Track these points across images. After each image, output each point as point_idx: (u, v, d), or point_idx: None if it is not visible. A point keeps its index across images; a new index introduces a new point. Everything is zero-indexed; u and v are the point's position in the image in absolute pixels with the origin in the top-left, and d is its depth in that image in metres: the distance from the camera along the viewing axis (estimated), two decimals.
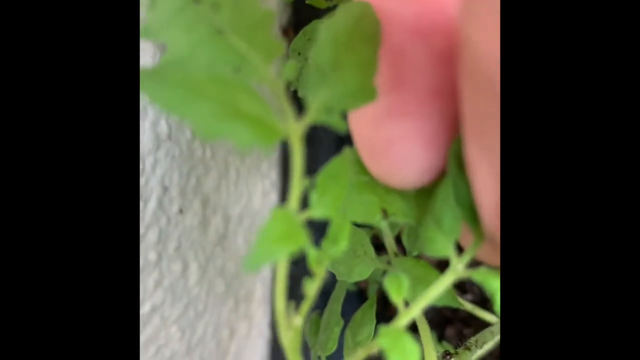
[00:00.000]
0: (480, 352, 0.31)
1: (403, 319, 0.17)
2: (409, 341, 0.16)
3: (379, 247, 0.36)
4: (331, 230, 0.18)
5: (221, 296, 0.47)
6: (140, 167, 0.35)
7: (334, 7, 0.31)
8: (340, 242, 0.18)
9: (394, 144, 0.17)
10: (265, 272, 0.53)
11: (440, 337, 0.49)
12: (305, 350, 0.26)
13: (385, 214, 0.19)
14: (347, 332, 0.31)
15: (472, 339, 0.31)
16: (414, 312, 0.18)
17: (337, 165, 0.18)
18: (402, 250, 0.36)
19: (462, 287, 0.50)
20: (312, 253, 0.17)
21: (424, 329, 0.24)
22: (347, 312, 0.31)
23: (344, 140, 0.45)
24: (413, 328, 0.24)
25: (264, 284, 0.53)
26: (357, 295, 0.49)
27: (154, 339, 0.41)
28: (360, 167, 0.19)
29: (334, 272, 0.27)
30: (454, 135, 0.17)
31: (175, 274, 0.41)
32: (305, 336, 0.34)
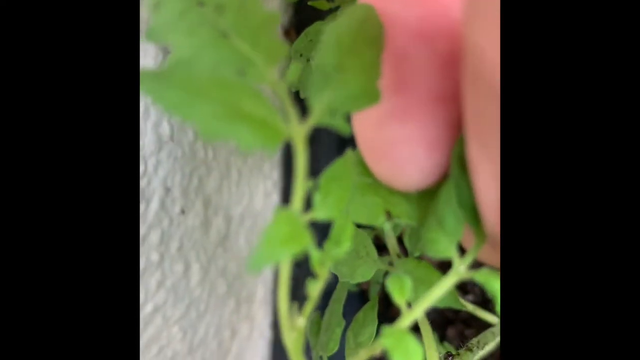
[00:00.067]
0: (481, 352, 0.31)
1: (406, 320, 0.18)
2: (412, 341, 0.16)
3: (381, 248, 0.36)
4: (334, 232, 0.18)
5: (223, 297, 0.47)
6: (143, 168, 0.35)
7: (336, 9, 0.31)
8: (343, 244, 0.18)
9: (397, 146, 0.17)
10: (267, 273, 0.54)
11: (442, 338, 0.49)
12: (307, 350, 0.26)
13: (388, 215, 0.19)
14: (349, 333, 0.31)
15: (474, 340, 0.31)
16: (417, 312, 0.18)
17: (340, 167, 0.18)
18: (404, 251, 0.36)
19: (463, 288, 0.50)
20: (315, 254, 0.17)
21: (426, 329, 0.24)
22: (349, 313, 0.31)
23: (346, 141, 0.45)
24: (415, 329, 0.24)
25: (266, 285, 0.53)
26: (359, 296, 0.49)
27: (156, 339, 0.41)
28: (364, 168, 0.20)
29: (336, 273, 0.27)
30: (456, 138, 0.17)
31: (177, 274, 0.41)
32: (307, 337, 0.34)
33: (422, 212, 0.19)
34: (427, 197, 0.19)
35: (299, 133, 0.16)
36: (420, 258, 0.27)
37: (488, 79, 0.13)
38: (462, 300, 0.37)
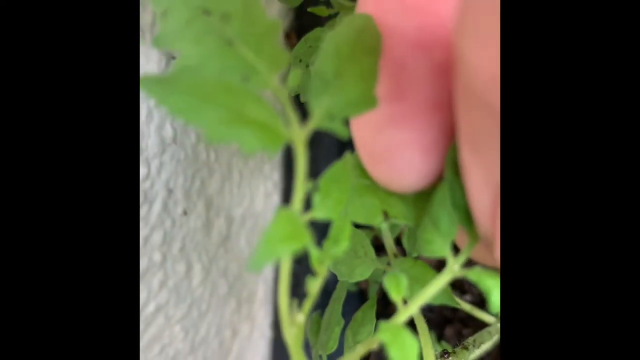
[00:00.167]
0: (478, 351, 0.32)
1: (402, 316, 0.18)
2: (408, 336, 0.17)
3: (379, 248, 0.37)
4: (333, 231, 0.18)
5: (224, 297, 0.48)
6: (146, 170, 0.36)
7: (335, 15, 0.31)
8: (341, 243, 0.18)
9: (394, 150, 0.18)
10: (268, 273, 0.54)
11: (440, 337, 0.49)
12: (307, 349, 0.27)
13: (386, 216, 0.20)
14: (348, 332, 0.31)
15: (470, 339, 0.32)
16: (412, 309, 0.19)
17: (339, 169, 0.18)
18: (402, 251, 0.37)
19: (461, 287, 0.51)
20: (314, 253, 0.18)
21: (423, 328, 0.25)
22: (348, 312, 0.31)
23: (345, 144, 0.46)
24: (412, 328, 0.25)
25: (266, 285, 0.53)
26: (358, 296, 0.50)
27: (158, 338, 0.41)
28: (362, 171, 0.20)
29: (335, 272, 0.27)
30: (450, 143, 0.18)
31: (179, 274, 0.42)
32: (307, 335, 0.35)
33: (418, 213, 0.20)
34: (422, 198, 0.20)
35: (299, 136, 0.16)
36: (417, 258, 0.27)
37: (478, 91, 0.13)
38: (459, 300, 0.38)
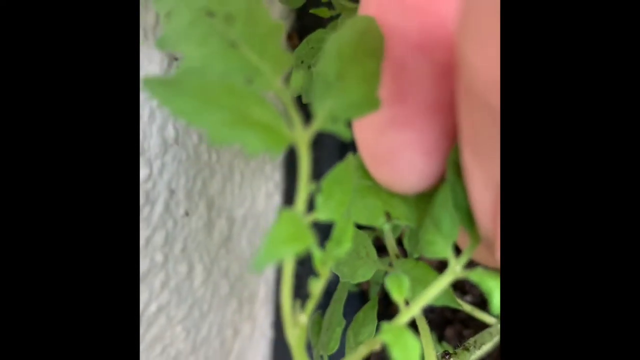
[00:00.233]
0: (479, 352, 0.32)
1: (404, 317, 0.18)
2: (410, 337, 0.17)
3: (380, 248, 0.37)
4: (335, 232, 0.19)
5: (225, 297, 0.48)
6: (148, 171, 0.36)
7: (337, 16, 0.31)
8: (344, 244, 0.18)
9: (396, 152, 0.18)
10: (269, 274, 0.54)
11: (440, 338, 0.49)
12: (307, 348, 0.27)
13: (388, 217, 0.20)
14: (349, 332, 0.31)
15: (471, 340, 0.32)
16: (415, 310, 0.19)
17: (342, 171, 0.18)
18: (403, 252, 0.37)
19: (462, 288, 0.51)
20: (317, 254, 0.18)
21: (424, 328, 0.25)
22: (349, 313, 0.32)
23: (346, 145, 0.46)
24: (414, 329, 0.25)
25: (267, 285, 0.54)
26: (359, 296, 0.50)
27: (160, 339, 0.41)
28: (364, 172, 0.20)
29: (337, 273, 0.27)
30: (452, 145, 0.18)
31: (181, 275, 0.42)
32: (308, 335, 0.35)
33: (420, 214, 0.20)
34: (424, 199, 0.20)
35: (302, 138, 0.17)
36: (418, 259, 0.27)
37: (480, 93, 0.14)
38: (460, 301, 0.38)
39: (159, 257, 0.39)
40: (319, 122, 0.17)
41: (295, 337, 0.19)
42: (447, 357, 0.30)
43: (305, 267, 0.23)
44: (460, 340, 0.42)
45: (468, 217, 0.18)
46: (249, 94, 0.16)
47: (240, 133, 0.15)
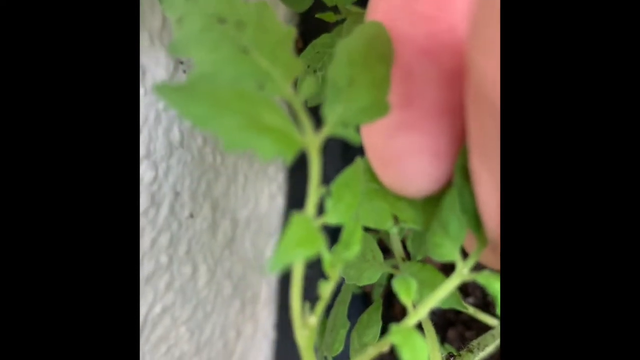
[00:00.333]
0: (482, 354, 0.32)
1: (412, 319, 0.19)
2: (418, 338, 0.17)
3: (384, 250, 0.37)
4: (344, 236, 0.19)
5: (228, 298, 0.48)
6: (154, 174, 0.36)
7: (342, 21, 0.32)
8: (352, 247, 0.19)
9: (404, 156, 0.18)
10: (271, 275, 0.55)
11: (443, 340, 0.50)
12: None
13: (396, 220, 0.20)
14: (353, 334, 0.32)
15: (475, 342, 0.32)
16: (423, 312, 0.19)
17: (351, 175, 0.19)
18: (407, 254, 0.37)
19: (465, 290, 0.51)
20: (326, 257, 0.18)
21: (430, 330, 0.25)
22: (353, 315, 0.32)
23: (350, 148, 0.46)
24: (419, 330, 0.25)
25: (270, 287, 0.54)
26: (362, 298, 0.50)
27: (164, 339, 0.42)
28: (372, 175, 0.21)
29: (344, 276, 0.28)
30: (459, 148, 0.18)
31: (186, 276, 0.42)
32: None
33: (427, 217, 0.20)
34: (432, 203, 0.20)
35: (313, 143, 0.17)
36: (423, 261, 0.28)
37: (489, 97, 0.14)
38: (463, 303, 0.38)
39: (163, 259, 0.39)
40: (330, 127, 0.17)
41: (304, 338, 0.19)
42: (451, 359, 0.30)
43: (313, 270, 0.23)
44: (462, 342, 0.42)
45: (475, 221, 0.18)
46: (260, 99, 0.16)
47: (252, 138, 0.15)
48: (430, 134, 0.18)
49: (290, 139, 0.16)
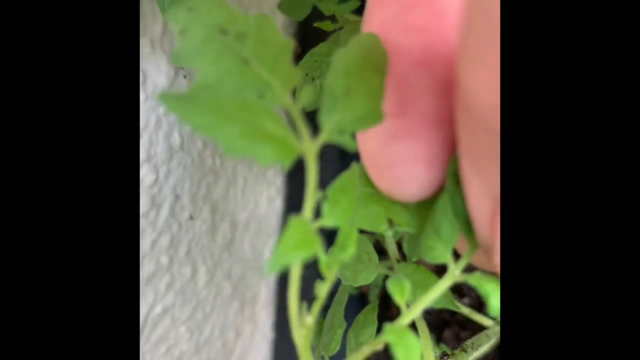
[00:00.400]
0: (476, 354, 0.33)
1: (406, 318, 0.19)
2: (412, 337, 0.18)
3: (380, 251, 0.38)
4: (340, 238, 0.19)
5: (227, 299, 0.49)
6: (155, 176, 0.37)
7: (340, 29, 0.32)
8: (348, 249, 0.19)
9: (398, 162, 0.19)
10: (270, 276, 0.55)
11: (438, 339, 0.50)
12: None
13: (390, 223, 0.21)
14: (350, 334, 0.32)
15: (469, 342, 0.33)
16: (416, 312, 0.20)
17: (347, 180, 0.19)
18: (402, 255, 0.38)
19: (460, 291, 0.52)
20: (323, 258, 0.19)
21: (423, 329, 0.26)
22: (349, 315, 0.32)
23: (348, 153, 0.47)
24: (413, 330, 0.26)
25: (269, 287, 0.55)
26: (359, 299, 0.51)
27: (164, 339, 0.42)
28: (367, 180, 0.21)
29: (340, 276, 0.28)
30: (451, 155, 0.19)
31: (185, 277, 0.43)
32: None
33: (421, 220, 0.21)
34: (425, 207, 0.21)
35: (311, 150, 0.18)
36: (418, 262, 0.28)
37: (478, 116, 0.14)
38: (458, 303, 0.39)
39: (164, 260, 0.40)
40: (326, 135, 0.18)
41: (301, 337, 0.20)
42: (445, 358, 0.31)
43: (310, 271, 0.24)
44: (457, 342, 0.43)
45: (467, 224, 0.19)
46: (261, 108, 0.17)
47: (253, 145, 0.16)
48: (424, 141, 0.19)
49: (289, 146, 0.17)
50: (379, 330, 0.31)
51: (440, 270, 0.21)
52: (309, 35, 0.34)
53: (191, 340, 0.45)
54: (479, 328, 0.35)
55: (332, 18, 0.31)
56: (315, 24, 0.31)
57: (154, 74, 0.35)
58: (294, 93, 0.18)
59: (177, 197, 0.39)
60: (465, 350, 0.32)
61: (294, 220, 0.17)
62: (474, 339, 0.33)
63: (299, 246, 0.17)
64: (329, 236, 0.20)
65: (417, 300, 0.20)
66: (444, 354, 0.31)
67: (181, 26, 0.19)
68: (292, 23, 0.48)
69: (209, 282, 0.46)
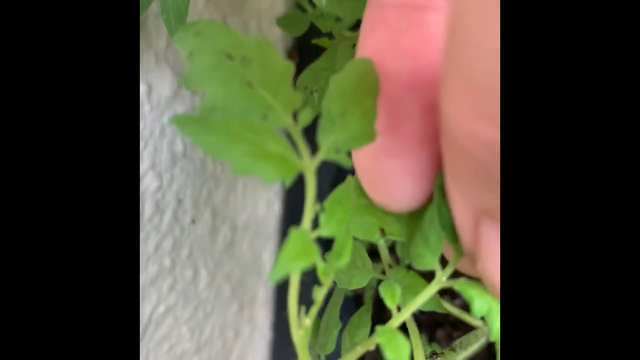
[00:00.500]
0: (465, 353, 0.34)
1: (396, 321, 0.21)
2: (401, 339, 0.19)
3: (375, 253, 0.39)
4: (336, 247, 0.21)
5: (227, 300, 0.50)
6: (159, 183, 0.38)
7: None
8: (343, 257, 0.21)
9: (389, 176, 0.21)
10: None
11: (431, 339, 0.51)
12: None
13: (382, 232, 0.23)
14: (345, 334, 0.33)
15: (457, 341, 0.34)
16: (405, 315, 0.21)
17: (342, 192, 0.21)
18: (395, 258, 0.39)
19: (452, 293, 0.53)
20: (320, 265, 0.20)
21: (414, 330, 0.28)
22: (345, 316, 0.33)
23: (342, 169, 0.48)
24: (405, 330, 0.27)
25: (267, 289, 0.56)
26: (354, 300, 0.52)
27: (167, 338, 0.44)
28: (361, 191, 0.23)
29: (336, 280, 0.30)
30: (438, 170, 0.21)
31: (187, 279, 0.44)
32: None
33: (411, 230, 0.23)
34: (415, 217, 0.23)
35: (310, 167, 0.19)
36: (409, 267, 0.30)
37: (458, 141, 0.16)
38: (449, 305, 0.40)
39: (167, 262, 0.42)
40: (324, 153, 0.19)
41: (300, 338, 0.21)
42: (435, 357, 0.32)
43: (308, 276, 0.25)
44: (450, 341, 0.44)
45: (452, 234, 0.20)
46: (265, 130, 0.19)
47: (258, 164, 0.18)
48: (413, 157, 0.21)
49: (290, 164, 0.19)
50: (373, 330, 0.32)
51: (430, 273, 0.23)
52: (308, 45, 0.35)
53: (192, 339, 0.47)
54: (471, 328, 0.36)
55: (330, 35, 0.33)
56: (313, 41, 0.33)
57: (159, 85, 0.36)
58: (295, 114, 0.20)
59: (179, 202, 0.41)
60: (454, 350, 0.34)
61: (294, 232, 0.19)
62: (462, 338, 0.34)
63: (299, 256, 0.18)
64: (327, 240, 0.21)
65: (407, 304, 0.22)
66: (434, 353, 0.33)
67: (189, 50, 0.20)
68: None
69: (210, 283, 0.47)
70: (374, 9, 0.21)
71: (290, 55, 0.50)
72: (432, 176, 0.21)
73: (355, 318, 0.33)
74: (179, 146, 0.39)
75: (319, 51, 0.34)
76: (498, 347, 0.27)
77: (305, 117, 0.19)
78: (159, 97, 0.36)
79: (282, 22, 0.35)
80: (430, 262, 0.22)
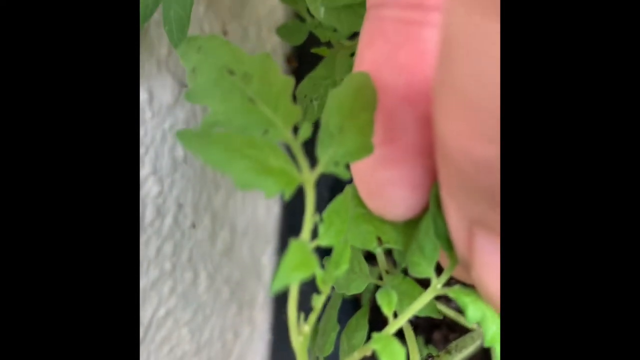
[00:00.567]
0: (460, 355, 0.35)
1: (392, 327, 0.22)
2: (396, 345, 0.20)
3: (372, 257, 0.40)
4: (334, 256, 0.22)
5: (227, 302, 0.51)
6: (160, 188, 0.39)
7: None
8: (341, 265, 0.22)
9: (386, 187, 0.21)
10: (267, 280, 0.57)
11: (428, 341, 0.52)
12: None
13: (380, 241, 0.23)
14: (343, 337, 0.34)
15: (453, 344, 0.35)
16: (401, 321, 0.22)
17: (340, 203, 0.22)
18: (392, 261, 0.40)
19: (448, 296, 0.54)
20: (319, 274, 0.21)
21: (410, 335, 0.28)
22: (343, 319, 0.33)
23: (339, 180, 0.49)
24: (401, 333, 0.28)
25: (266, 291, 0.57)
26: (352, 303, 0.53)
27: (167, 340, 0.45)
28: (359, 201, 0.24)
29: (334, 285, 0.30)
30: (433, 180, 0.21)
31: (187, 282, 0.45)
32: None
33: (407, 238, 0.23)
34: (411, 226, 0.23)
35: (309, 180, 0.20)
36: (405, 272, 0.30)
37: (450, 156, 0.17)
38: (446, 308, 0.41)
39: (167, 266, 0.42)
40: (323, 166, 0.20)
41: (299, 343, 0.22)
42: (430, 359, 0.33)
43: (306, 284, 0.25)
44: (446, 344, 0.45)
45: (447, 242, 0.21)
46: (265, 144, 0.19)
47: (260, 179, 0.18)
48: (409, 168, 0.21)
49: (290, 177, 0.19)
50: (370, 333, 0.33)
51: (426, 279, 0.23)
52: (306, 50, 0.35)
53: (192, 341, 0.47)
54: (467, 330, 0.36)
55: (329, 44, 0.33)
56: (312, 50, 0.33)
57: (160, 92, 0.37)
58: (295, 129, 0.20)
59: (180, 207, 0.42)
60: (449, 352, 0.34)
61: (294, 244, 0.19)
62: (458, 341, 0.35)
63: (299, 268, 0.19)
64: (324, 250, 0.22)
65: (403, 310, 0.22)
66: (429, 356, 0.33)
67: (192, 65, 0.21)
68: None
69: (210, 286, 0.48)
70: (372, 22, 0.22)
71: (289, 61, 0.51)
72: (428, 186, 0.21)
73: (353, 321, 0.34)
74: (179, 152, 0.40)
75: (317, 57, 0.34)
76: (495, 352, 0.27)
77: (305, 132, 0.20)
78: (160, 104, 0.36)
79: (282, 31, 0.35)
80: (426, 270, 0.22)
